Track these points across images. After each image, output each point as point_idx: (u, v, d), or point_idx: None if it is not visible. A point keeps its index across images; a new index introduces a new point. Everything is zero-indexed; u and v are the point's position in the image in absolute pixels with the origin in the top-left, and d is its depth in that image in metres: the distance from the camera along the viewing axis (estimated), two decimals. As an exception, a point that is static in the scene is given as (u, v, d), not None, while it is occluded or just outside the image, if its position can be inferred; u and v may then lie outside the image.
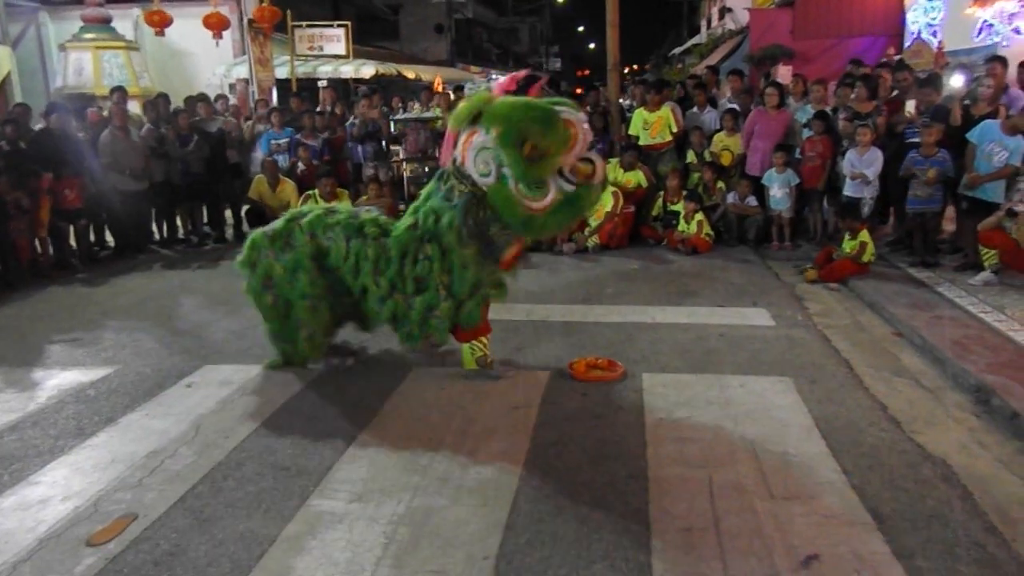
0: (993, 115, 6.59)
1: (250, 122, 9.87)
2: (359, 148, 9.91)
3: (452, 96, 11.10)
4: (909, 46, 12.29)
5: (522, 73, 4.32)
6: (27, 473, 3.60)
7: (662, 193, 8.63)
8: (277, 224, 4.69)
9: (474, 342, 4.71)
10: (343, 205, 4.94)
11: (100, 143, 8.48)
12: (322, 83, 14.39)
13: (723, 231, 8.52)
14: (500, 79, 4.40)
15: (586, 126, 4.15)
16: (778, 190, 8.04)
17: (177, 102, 10.05)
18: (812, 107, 8.26)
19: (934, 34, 12.21)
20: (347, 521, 3.12)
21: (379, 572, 2.78)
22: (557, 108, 3.99)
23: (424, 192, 4.56)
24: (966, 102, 7.14)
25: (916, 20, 12.98)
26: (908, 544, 2.89)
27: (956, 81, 7.84)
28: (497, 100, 4.10)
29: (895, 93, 7.73)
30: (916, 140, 7.06)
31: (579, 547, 2.91)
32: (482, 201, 4.19)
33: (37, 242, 7.80)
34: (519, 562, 2.83)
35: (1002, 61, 7.10)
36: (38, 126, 8.68)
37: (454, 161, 4.27)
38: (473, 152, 4.11)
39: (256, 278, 4.66)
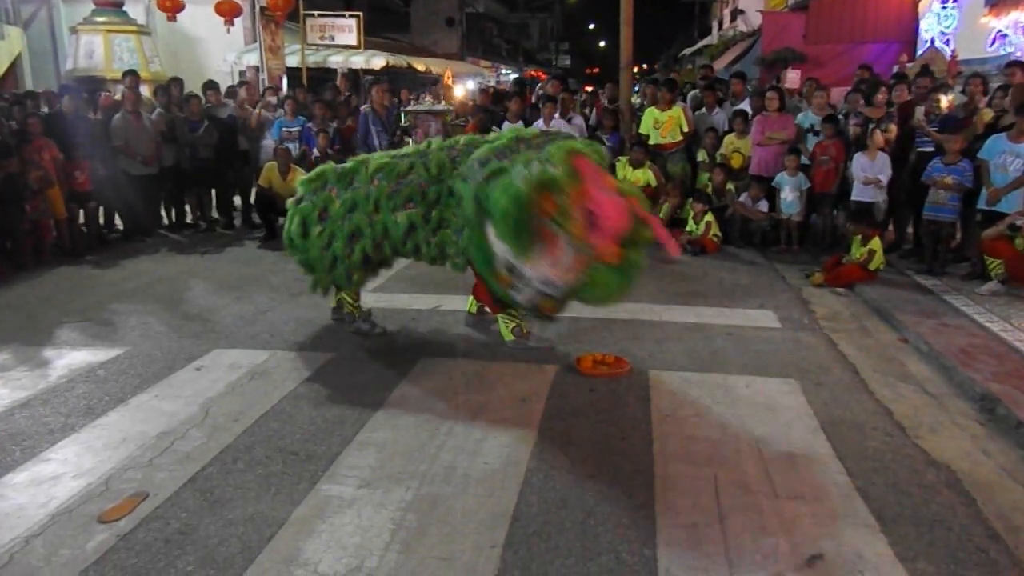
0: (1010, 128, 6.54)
1: (257, 110, 9.81)
2: (374, 134, 9.65)
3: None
4: (922, 54, 12.28)
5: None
6: (38, 450, 3.64)
7: (665, 199, 8.59)
8: (347, 164, 5.02)
9: (505, 315, 5.01)
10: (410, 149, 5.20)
11: (112, 126, 8.52)
12: (343, 70, 14.37)
13: (730, 232, 8.51)
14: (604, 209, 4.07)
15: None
16: (789, 192, 8.03)
17: (188, 87, 10.05)
18: (814, 113, 8.26)
19: (947, 43, 12.19)
20: (356, 506, 3.15)
21: (387, 557, 2.82)
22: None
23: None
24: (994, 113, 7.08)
25: (929, 28, 12.96)
26: (911, 547, 2.92)
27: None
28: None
29: (910, 98, 7.70)
30: (927, 149, 7.05)
31: (585, 539, 2.94)
32: None
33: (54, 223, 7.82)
34: (525, 552, 2.86)
35: (1021, 66, 7.08)
36: (43, 109, 8.73)
37: None
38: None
39: (314, 206, 4.92)
